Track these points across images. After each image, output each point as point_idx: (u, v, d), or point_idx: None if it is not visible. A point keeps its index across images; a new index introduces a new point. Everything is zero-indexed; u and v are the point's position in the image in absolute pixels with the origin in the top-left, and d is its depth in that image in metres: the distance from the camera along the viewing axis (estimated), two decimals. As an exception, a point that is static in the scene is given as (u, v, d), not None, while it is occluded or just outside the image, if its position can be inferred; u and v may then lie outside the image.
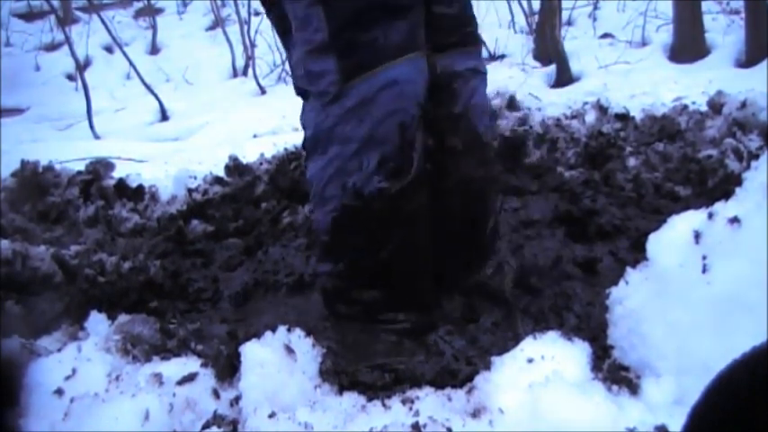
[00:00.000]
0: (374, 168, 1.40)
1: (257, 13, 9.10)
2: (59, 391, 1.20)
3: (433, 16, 1.47)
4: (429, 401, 1.16)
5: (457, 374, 1.33)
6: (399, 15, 1.38)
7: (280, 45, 8.63)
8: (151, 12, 9.94)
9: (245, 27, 8.37)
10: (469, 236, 1.64)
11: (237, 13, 8.61)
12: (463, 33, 1.56)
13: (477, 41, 1.61)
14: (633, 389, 1.09)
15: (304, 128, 1.51)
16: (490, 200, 1.68)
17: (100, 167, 2.66)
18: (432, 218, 1.51)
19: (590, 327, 1.47)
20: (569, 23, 7.77)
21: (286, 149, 2.65)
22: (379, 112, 1.38)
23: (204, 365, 1.23)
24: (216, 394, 1.18)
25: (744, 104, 2.57)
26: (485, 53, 6.77)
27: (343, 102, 1.39)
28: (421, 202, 1.46)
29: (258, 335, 1.26)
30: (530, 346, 1.16)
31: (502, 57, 6.96)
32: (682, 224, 1.18)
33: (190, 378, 1.19)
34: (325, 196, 1.46)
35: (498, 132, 2.65)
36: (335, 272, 1.51)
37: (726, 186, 2.02)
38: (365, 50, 1.37)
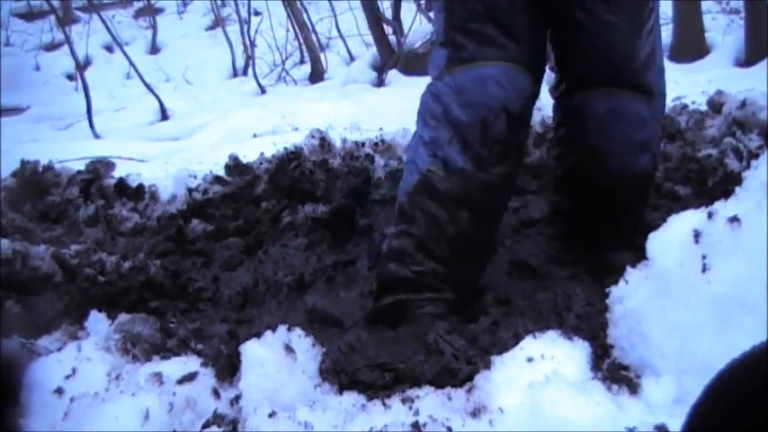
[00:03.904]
0: (460, 149, 1.56)
1: (257, 13, 9.11)
2: (59, 391, 1.20)
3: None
4: (429, 401, 1.15)
5: (457, 374, 1.32)
6: (500, 24, 1.57)
7: (279, 45, 8.68)
8: (151, 12, 9.95)
9: (245, 27, 8.38)
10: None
11: (237, 12, 8.61)
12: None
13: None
14: (633, 388, 1.09)
15: None
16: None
17: (100, 167, 2.66)
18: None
19: (590, 326, 1.47)
20: (569, 23, 7.75)
21: (286, 149, 2.65)
22: (465, 102, 1.57)
23: (204, 365, 1.23)
24: (216, 394, 1.18)
25: (743, 104, 2.57)
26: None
27: (438, 85, 1.62)
28: (497, 194, 1.63)
29: (258, 334, 1.26)
30: (530, 345, 1.15)
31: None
32: (681, 224, 1.17)
33: (190, 377, 1.19)
34: (416, 158, 1.63)
35: None
36: (405, 232, 1.61)
37: (726, 186, 2.02)
38: (466, 48, 1.60)
